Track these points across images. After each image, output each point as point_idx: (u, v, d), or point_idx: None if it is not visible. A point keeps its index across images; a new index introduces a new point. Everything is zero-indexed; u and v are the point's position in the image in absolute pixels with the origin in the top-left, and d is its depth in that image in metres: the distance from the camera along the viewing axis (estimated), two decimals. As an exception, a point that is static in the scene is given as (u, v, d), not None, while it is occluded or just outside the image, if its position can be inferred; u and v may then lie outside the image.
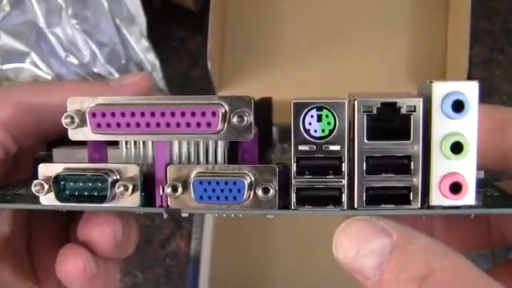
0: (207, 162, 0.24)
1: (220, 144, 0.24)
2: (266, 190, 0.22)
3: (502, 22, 0.61)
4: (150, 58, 0.55)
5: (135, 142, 0.24)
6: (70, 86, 0.27)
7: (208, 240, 0.54)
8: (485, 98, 0.60)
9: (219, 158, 0.24)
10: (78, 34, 0.53)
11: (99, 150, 0.25)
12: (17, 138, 0.26)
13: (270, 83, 0.54)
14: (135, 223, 0.29)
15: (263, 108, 0.27)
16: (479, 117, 0.22)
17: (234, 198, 0.23)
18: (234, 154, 0.24)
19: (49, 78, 0.52)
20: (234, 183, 0.23)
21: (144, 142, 0.24)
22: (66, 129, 0.23)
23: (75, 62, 0.53)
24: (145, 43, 0.55)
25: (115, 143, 0.25)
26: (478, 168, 0.22)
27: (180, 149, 0.24)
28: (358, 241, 0.20)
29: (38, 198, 0.24)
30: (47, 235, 0.29)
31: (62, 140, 0.25)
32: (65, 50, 0.52)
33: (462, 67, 0.49)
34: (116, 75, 0.54)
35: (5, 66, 0.51)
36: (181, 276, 0.57)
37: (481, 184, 0.24)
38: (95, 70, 0.53)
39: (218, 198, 0.23)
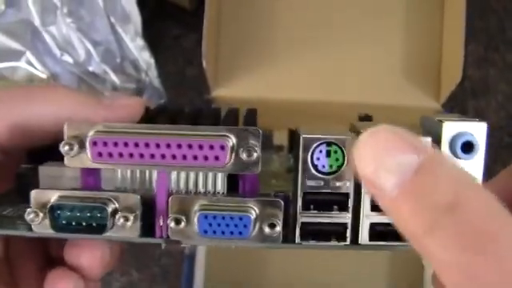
0: (206, 190, 0.23)
1: (220, 174, 0.23)
2: (272, 226, 0.22)
3: (497, 20, 0.61)
4: (145, 57, 0.55)
5: None
6: (62, 96, 0.25)
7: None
8: (480, 96, 0.60)
9: (219, 188, 0.23)
10: (72, 32, 0.53)
11: (93, 173, 0.24)
12: (3, 149, 0.25)
13: (265, 82, 0.54)
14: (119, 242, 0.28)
15: (249, 120, 0.26)
16: (486, 156, 0.22)
17: (240, 233, 0.22)
18: (232, 182, 0.24)
19: (44, 76, 0.52)
20: (240, 218, 0.22)
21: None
22: (57, 149, 0.22)
23: (70, 60, 0.53)
24: (140, 42, 0.55)
25: None
26: None
27: (178, 177, 0.23)
28: (382, 153, 0.18)
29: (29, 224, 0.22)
30: (25, 244, 0.28)
31: (45, 149, 0.24)
32: (60, 48, 0.52)
33: (457, 66, 0.49)
34: (111, 74, 0.54)
35: (0, 65, 0.51)
36: (176, 275, 0.57)
37: None
38: (90, 68, 0.53)
39: (223, 232, 0.22)
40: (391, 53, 0.55)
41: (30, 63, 0.52)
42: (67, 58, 0.53)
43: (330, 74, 0.54)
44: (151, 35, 0.56)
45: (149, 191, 0.23)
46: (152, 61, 0.56)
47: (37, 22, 0.52)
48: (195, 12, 0.60)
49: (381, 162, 0.17)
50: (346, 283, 0.53)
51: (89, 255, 0.25)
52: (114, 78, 0.54)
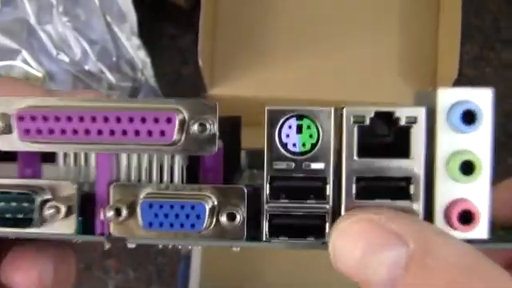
0: (161, 181, 0.19)
1: (177, 160, 0.19)
2: (231, 217, 0.18)
3: (492, 19, 0.61)
4: (140, 56, 0.55)
5: (75, 155, 0.20)
6: (15, 89, 0.22)
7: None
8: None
9: (176, 178, 0.19)
10: (68, 31, 0.53)
11: (31, 164, 0.21)
12: None
13: (262, 81, 0.54)
14: (74, 260, 0.24)
15: (231, 128, 0.23)
16: (493, 131, 0.18)
17: (192, 225, 0.18)
18: (194, 175, 0.20)
19: (40, 75, 0.52)
20: (192, 207, 0.18)
21: (86, 155, 0.20)
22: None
23: (66, 59, 0.53)
24: (136, 41, 0.55)
25: (52, 159, 0.21)
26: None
27: (129, 165, 0.20)
28: (364, 247, 0.16)
29: None
30: None
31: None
32: (56, 47, 0.52)
33: (453, 64, 0.49)
34: (107, 73, 0.54)
35: (-5, 64, 0.51)
36: (172, 274, 0.57)
37: None
38: (86, 67, 0.53)
39: (171, 225, 0.18)
40: (387, 52, 0.55)
41: (25, 62, 0.52)
42: (63, 57, 0.53)
43: (325, 73, 0.54)
44: (147, 34, 0.56)
45: (93, 184, 0.20)
46: (148, 60, 0.56)
47: (33, 20, 0.52)
48: (192, 12, 0.60)
49: (366, 259, 0.16)
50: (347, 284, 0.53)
51: (23, 275, 0.22)
52: (109, 76, 0.54)
